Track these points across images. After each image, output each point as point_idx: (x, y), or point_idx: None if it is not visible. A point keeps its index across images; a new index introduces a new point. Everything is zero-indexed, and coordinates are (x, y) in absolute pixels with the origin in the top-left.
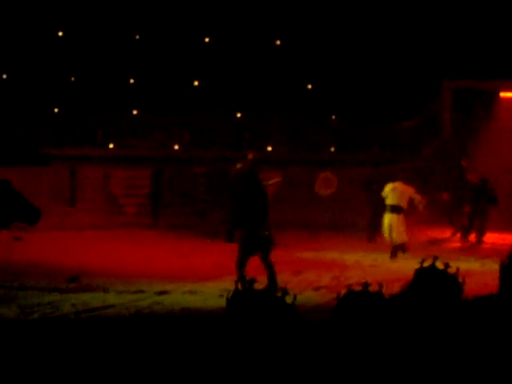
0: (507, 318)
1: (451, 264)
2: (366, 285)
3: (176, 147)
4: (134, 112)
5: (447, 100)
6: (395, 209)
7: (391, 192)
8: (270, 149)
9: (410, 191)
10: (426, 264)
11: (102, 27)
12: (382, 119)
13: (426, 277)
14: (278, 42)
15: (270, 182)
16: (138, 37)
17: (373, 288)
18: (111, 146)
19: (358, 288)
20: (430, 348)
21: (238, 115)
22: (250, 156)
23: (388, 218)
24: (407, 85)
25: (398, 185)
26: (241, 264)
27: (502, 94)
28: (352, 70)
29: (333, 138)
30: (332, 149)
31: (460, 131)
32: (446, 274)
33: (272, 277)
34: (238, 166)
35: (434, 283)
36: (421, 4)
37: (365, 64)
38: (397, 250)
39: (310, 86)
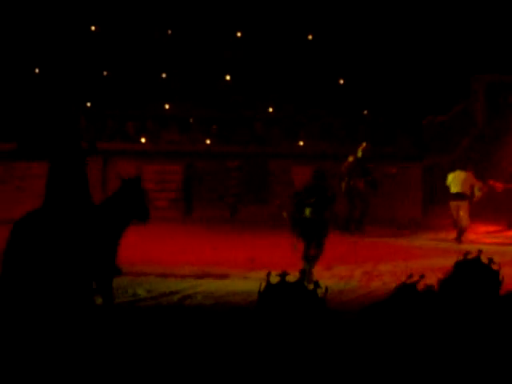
0: None
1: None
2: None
3: (208, 142)
4: (166, 106)
5: (479, 94)
6: (460, 196)
7: (454, 180)
8: (301, 143)
9: (470, 178)
10: (469, 257)
11: (135, 22)
12: (415, 114)
13: (465, 270)
14: (311, 37)
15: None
16: (170, 32)
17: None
18: (143, 140)
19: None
20: (465, 341)
21: (270, 110)
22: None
23: (454, 205)
24: (439, 79)
25: (458, 173)
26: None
27: None
28: (384, 64)
29: (365, 133)
30: (364, 144)
31: (493, 125)
32: (485, 268)
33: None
34: (350, 159)
35: (472, 276)
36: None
37: (397, 59)
38: (461, 234)
39: (342, 81)
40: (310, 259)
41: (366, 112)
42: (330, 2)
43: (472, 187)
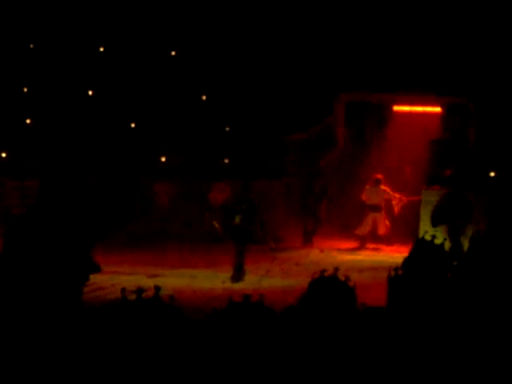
0: (394, 329)
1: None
2: None
3: None
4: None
5: (341, 113)
6: (376, 208)
7: (371, 194)
8: (163, 159)
9: (385, 192)
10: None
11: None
12: (277, 131)
13: (322, 287)
14: (174, 53)
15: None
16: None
17: None
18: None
19: None
20: (323, 352)
21: (132, 125)
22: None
23: (371, 216)
24: (303, 98)
25: (374, 187)
26: None
27: (395, 108)
28: (248, 81)
29: (227, 150)
30: (226, 160)
31: (354, 144)
32: (341, 285)
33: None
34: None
35: (328, 293)
36: (314, 18)
37: (261, 76)
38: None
39: (204, 97)
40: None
41: (227, 129)
42: (192, 19)
43: (387, 200)
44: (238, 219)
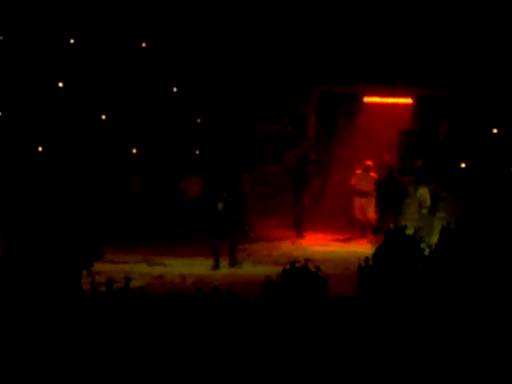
0: (363, 318)
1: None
2: None
3: None
4: None
5: (313, 103)
6: (364, 193)
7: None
8: (134, 151)
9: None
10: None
11: None
12: (250, 122)
13: (293, 276)
14: (144, 45)
15: None
16: None
17: None
18: None
19: None
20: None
21: (103, 117)
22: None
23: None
24: (276, 89)
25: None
26: None
27: (366, 99)
28: (222, 72)
29: (199, 142)
30: (197, 152)
31: (325, 134)
32: (312, 275)
33: None
34: None
35: (298, 282)
36: (289, 11)
37: (235, 67)
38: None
39: (175, 89)
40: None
41: (199, 120)
42: (163, 9)
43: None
44: (220, 206)
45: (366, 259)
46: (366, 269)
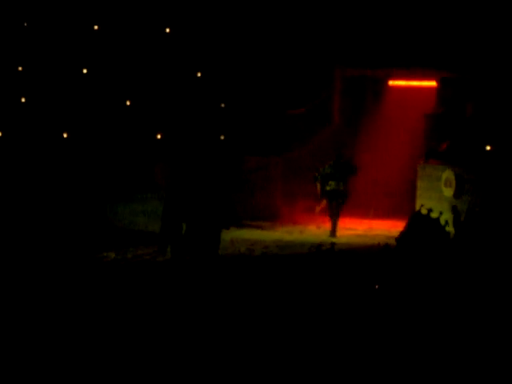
0: None
1: None
2: None
3: None
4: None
5: (337, 87)
6: None
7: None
8: (159, 137)
9: None
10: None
11: None
12: (274, 107)
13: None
14: (168, 30)
15: None
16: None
17: None
18: None
19: None
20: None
21: (128, 103)
22: None
23: None
24: (301, 73)
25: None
26: None
27: (391, 82)
28: (244, 58)
29: (224, 127)
30: (222, 137)
31: (350, 118)
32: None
33: None
34: None
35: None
36: None
37: (257, 52)
38: None
39: (199, 74)
40: None
41: (223, 105)
42: None
43: None
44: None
45: (386, 246)
46: (388, 254)
